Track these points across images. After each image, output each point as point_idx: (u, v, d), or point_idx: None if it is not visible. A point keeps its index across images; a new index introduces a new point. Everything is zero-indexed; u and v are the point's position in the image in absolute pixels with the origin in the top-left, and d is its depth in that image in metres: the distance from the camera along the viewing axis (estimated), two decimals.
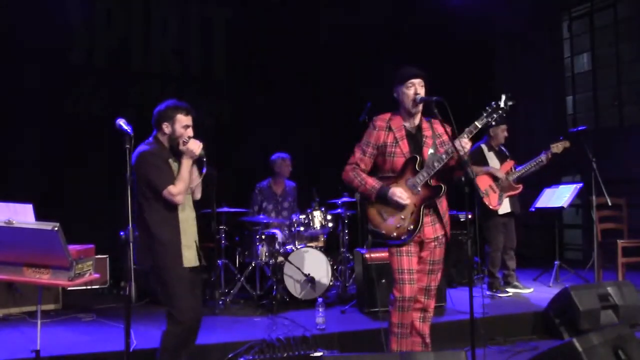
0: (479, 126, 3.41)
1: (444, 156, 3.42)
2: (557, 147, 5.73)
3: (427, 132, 3.57)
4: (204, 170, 3.52)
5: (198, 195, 3.64)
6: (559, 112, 9.08)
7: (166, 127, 3.44)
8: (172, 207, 3.38)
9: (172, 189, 3.33)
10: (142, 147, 3.42)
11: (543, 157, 5.73)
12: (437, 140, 3.56)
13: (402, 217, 3.50)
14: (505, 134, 5.88)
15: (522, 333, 4.82)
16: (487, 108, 3.41)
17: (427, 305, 3.63)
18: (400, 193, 3.47)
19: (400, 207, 3.49)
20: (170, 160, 3.46)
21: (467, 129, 3.42)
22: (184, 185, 3.37)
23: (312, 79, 7.86)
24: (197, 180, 3.55)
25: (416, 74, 3.52)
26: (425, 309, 3.63)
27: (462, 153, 3.31)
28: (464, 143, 3.37)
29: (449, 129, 3.49)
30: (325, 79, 7.84)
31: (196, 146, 3.41)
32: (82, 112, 6.89)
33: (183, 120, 3.45)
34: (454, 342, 4.31)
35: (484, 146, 5.90)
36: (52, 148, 6.48)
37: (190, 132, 3.47)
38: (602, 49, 8.56)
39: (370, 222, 3.56)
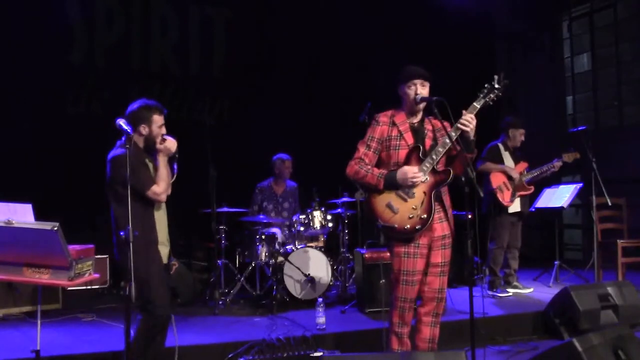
0: (478, 107, 3.48)
1: (452, 133, 3.41)
2: (568, 157, 5.87)
3: (428, 127, 3.62)
4: (176, 170, 3.55)
5: (168, 193, 3.62)
6: (559, 112, 9.09)
7: (143, 129, 3.44)
8: (147, 207, 3.39)
9: (156, 188, 3.36)
10: (118, 150, 3.40)
11: (556, 164, 5.83)
12: (437, 133, 3.60)
13: (414, 206, 3.43)
14: (522, 138, 5.95)
15: (522, 333, 4.82)
16: (482, 90, 3.50)
17: (438, 308, 3.58)
18: (412, 171, 3.41)
19: (410, 196, 3.43)
20: (147, 161, 3.48)
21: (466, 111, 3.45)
22: (166, 183, 3.42)
23: (312, 78, 7.85)
24: (171, 178, 3.56)
25: (418, 74, 3.54)
26: (437, 313, 3.58)
27: (469, 129, 3.39)
28: (470, 119, 3.40)
29: (447, 124, 3.55)
30: (325, 79, 7.83)
31: (172, 144, 3.46)
32: (82, 112, 6.88)
33: (158, 120, 3.47)
34: (454, 342, 4.32)
35: (500, 145, 5.97)
36: (52, 148, 6.47)
37: (164, 130, 3.49)
38: (602, 49, 8.56)
39: (380, 218, 3.46)
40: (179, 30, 7.55)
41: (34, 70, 6.46)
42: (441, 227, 3.53)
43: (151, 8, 7.39)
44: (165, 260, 3.51)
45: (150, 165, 3.48)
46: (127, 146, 3.04)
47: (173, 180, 3.58)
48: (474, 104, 3.47)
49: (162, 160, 3.45)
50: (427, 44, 7.87)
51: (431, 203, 3.45)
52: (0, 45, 6.35)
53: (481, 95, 3.49)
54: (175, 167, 3.56)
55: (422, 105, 3.55)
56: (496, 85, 3.48)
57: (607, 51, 8.45)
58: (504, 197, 5.76)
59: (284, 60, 7.73)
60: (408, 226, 3.42)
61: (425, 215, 3.43)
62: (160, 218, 3.49)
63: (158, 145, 3.43)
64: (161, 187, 3.39)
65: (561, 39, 9.11)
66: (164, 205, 3.55)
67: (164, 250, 3.49)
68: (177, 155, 3.52)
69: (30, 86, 6.44)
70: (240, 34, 7.77)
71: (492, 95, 3.48)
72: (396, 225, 3.43)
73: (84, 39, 6.97)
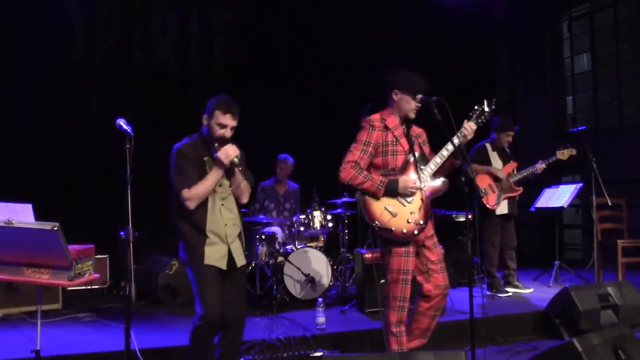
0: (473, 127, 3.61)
1: (450, 147, 3.51)
2: (563, 154, 5.74)
3: (412, 133, 3.70)
4: (243, 180, 3.36)
5: (243, 200, 3.50)
6: (559, 112, 9.09)
7: (205, 120, 3.34)
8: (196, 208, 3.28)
9: (184, 192, 3.23)
10: (181, 142, 3.37)
11: (538, 167, 5.74)
12: (419, 140, 3.72)
13: (411, 212, 3.50)
14: (510, 139, 5.87)
15: (522, 333, 4.82)
16: (474, 111, 3.64)
17: (441, 303, 3.65)
18: (412, 181, 3.50)
19: (408, 201, 3.51)
20: (207, 159, 3.34)
21: (458, 133, 3.56)
22: (198, 192, 3.24)
23: (312, 78, 7.86)
24: (234, 185, 3.39)
25: (425, 88, 3.58)
26: (438, 307, 3.64)
27: (469, 137, 3.55)
28: (472, 127, 3.55)
29: (423, 130, 3.77)
30: (325, 79, 7.84)
31: (224, 155, 3.25)
32: (82, 112, 6.89)
33: (219, 118, 3.30)
34: (454, 342, 4.32)
35: (488, 145, 5.91)
36: (51, 148, 6.48)
37: (226, 132, 3.33)
38: (602, 49, 8.56)
39: (377, 220, 3.49)
40: (179, 30, 7.56)
41: (34, 69, 6.46)
42: (429, 227, 3.63)
43: (151, 8, 7.40)
44: (216, 263, 3.31)
45: (210, 165, 3.33)
46: (127, 146, 3.00)
47: (239, 187, 3.39)
48: (470, 122, 3.57)
49: (213, 169, 3.28)
50: (427, 44, 7.88)
51: (428, 211, 3.55)
52: (1, 45, 6.35)
53: (473, 117, 3.61)
54: (243, 180, 3.37)
55: (413, 114, 3.60)
56: (486, 109, 3.61)
57: (607, 51, 8.45)
58: (488, 200, 5.67)
59: (284, 60, 7.73)
60: (405, 230, 3.47)
61: (422, 222, 3.52)
62: (217, 220, 3.34)
63: (214, 153, 3.29)
64: (190, 193, 3.22)
65: (561, 39, 9.11)
66: (229, 209, 3.39)
67: (213, 252, 3.32)
68: (239, 167, 3.31)
69: (31, 86, 6.44)
70: (240, 34, 7.77)
71: (482, 118, 3.62)
72: (393, 229, 3.47)
73: (84, 38, 6.98)
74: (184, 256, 3.38)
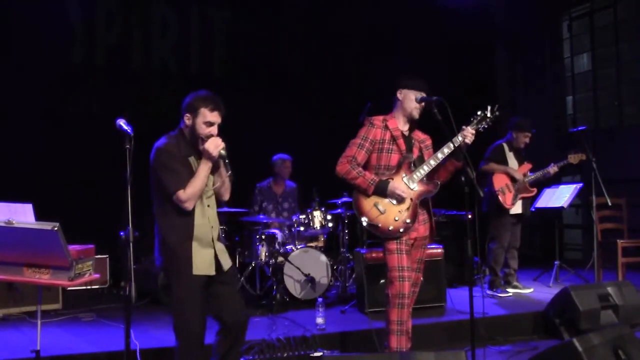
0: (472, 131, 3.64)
1: (446, 150, 3.56)
2: (574, 159, 5.86)
3: (415, 136, 3.78)
4: (229, 172, 3.20)
5: (226, 197, 3.38)
6: (559, 112, 9.09)
7: (187, 119, 3.14)
8: (185, 211, 3.07)
9: (181, 194, 3.02)
10: (161, 141, 3.15)
11: (550, 170, 5.83)
12: (421, 145, 3.79)
13: (399, 210, 3.58)
14: (527, 140, 5.92)
15: (522, 333, 4.83)
16: (475, 116, 3.63)
17: (413, 301, 3.72)
18: (402, 187, 3.57)
19: (398, 201, 3.58)
20: (192, 158, 3.16)
21: (456, 137, 3.56)
22: (195, 190, 3.05)
23: (312, 78, 7.85)
24: (218, 181, 3.25)
25: (429, 87, 3.63)
26: (410, 304, 3.69)
27: (468, 142, 3.52)
28: (472, 134, 3.54)
29: (427, 137, 3.81)
30: (325, 79, 7.83)
31: (213, 146, 3.05)
32: (82, 112, 6.88)
33: (207, 116, 3.10)
34: (454, 342, 4.32)
35: (505, 145, 5.95)
36: (52, 148, 6.47)
37: (213, 130, 3.12)
38: (602, 49, 8.56)
39: (366, 215, 3.61)
40: (179, 30, 7.56)
41: (34, 69, 6.46)
42: (424, 228, 3.72)
43: (151, 8, 7.40)
44: (207, 271, 3.13)
45: (196, 164, 3.14)
46: (127, 146, 2.96)
47: (226, 182, 3.27)
48: (468, 127, 3.58)
49: (201, 164, 3.09)
50: (427, 44, 7.87)
51: (416, 210, 3.63)
52: (1, 45, 6.35)
53: (474, 122, 3.62)
54: (229, 172, 3.19)
55: (416, 113, 3.65)
56: (489, 115, 3.62)
57: (607, 51, 8.46)
58: (505, 199, 5.75)
59: (284, 60, 7.72)
60: (391, 227, 3.57)
61: (409, 221, 3.59)
62: (205, 224, 3.17)
63: (200, 146, 3.09)
64: (186, 194, 3.02)
65: (561, 39, 9.11)
66: (213, 209, 3.24)
67: (201, 260, 3.12)
68: (227, 160, 3.13)
69: (31, 86, 6.44)
70: (240, 34, 7.77)
71: (483, 123, 3.62)
72: (380, 225, 3.58)
73: (85, 38, 6.98)
74: (167, 264, 3.15)
